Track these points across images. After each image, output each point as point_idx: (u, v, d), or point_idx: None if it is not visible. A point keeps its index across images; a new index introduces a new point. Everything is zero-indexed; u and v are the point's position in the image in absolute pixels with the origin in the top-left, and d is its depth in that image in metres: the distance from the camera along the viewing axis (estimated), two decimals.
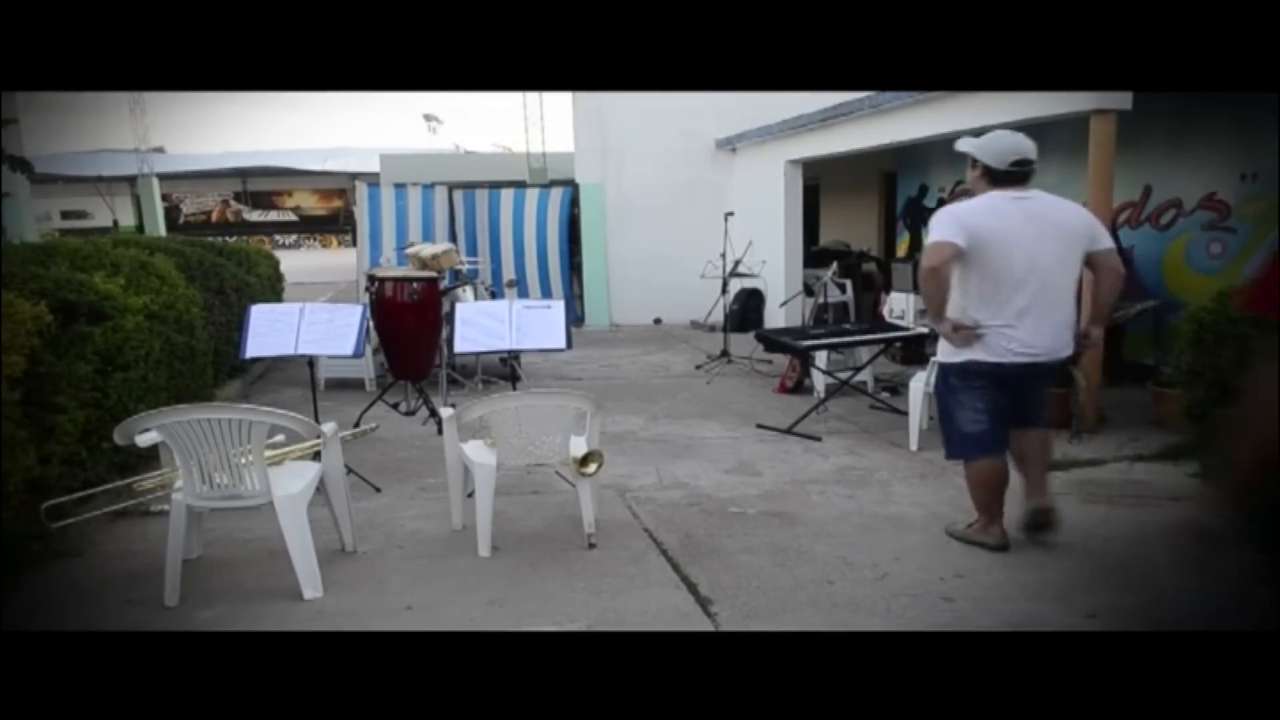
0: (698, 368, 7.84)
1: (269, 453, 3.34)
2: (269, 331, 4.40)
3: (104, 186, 28.27)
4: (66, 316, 3.83)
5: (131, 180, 25.08)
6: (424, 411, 5.88)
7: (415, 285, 6.08)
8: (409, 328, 6.06)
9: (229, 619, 3.09)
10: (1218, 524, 2.23)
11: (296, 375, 7.08)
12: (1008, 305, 3.25)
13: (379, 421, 5.23)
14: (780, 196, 9.58)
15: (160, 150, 26.99)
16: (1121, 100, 5.03)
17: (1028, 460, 3.50)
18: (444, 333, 6.13)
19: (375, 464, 4.85)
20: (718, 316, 8.80)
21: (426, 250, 6.58)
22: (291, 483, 3.31)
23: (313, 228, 36.30)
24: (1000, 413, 3.41)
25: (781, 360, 7.03)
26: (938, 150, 8.98)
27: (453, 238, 10.22)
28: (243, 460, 3.14)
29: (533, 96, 16.84)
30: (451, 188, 10.61)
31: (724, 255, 8.59)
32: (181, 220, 33.74)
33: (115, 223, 27.90)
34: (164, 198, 26.11)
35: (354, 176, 18.78)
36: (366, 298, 6.28)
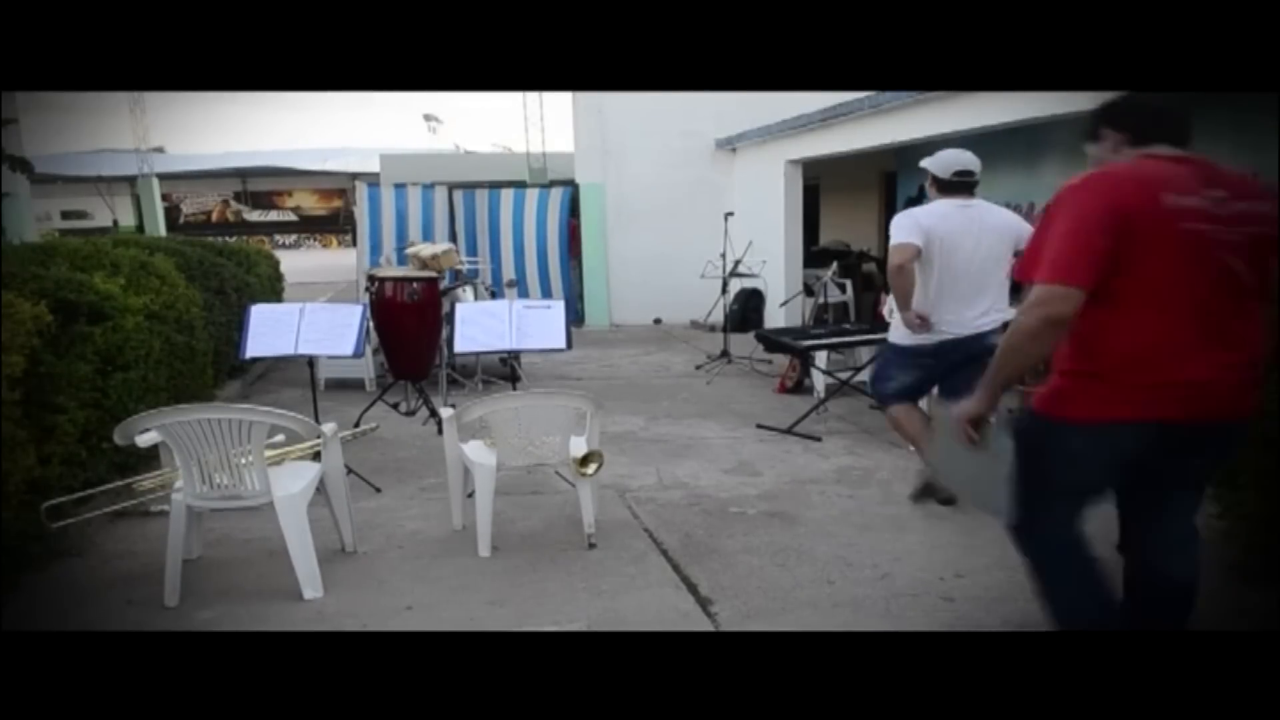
0: (698, 368, 7.84)
1: (269, 453, 3.34)
2: (269, 331, 4.40)
3: (104, 186, 28.26)
4: (66, 316, 3.83)
5: (131, 180, 25.07)
6: (424, 411, 5.88)
7: (415, 285, 6.08)
8: (409, 328, 6.06)
9: (229, 619, 3.09)
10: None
11: (296, 375, 7.09)
12: (952, 293, 3.83)
13: (379, 421, 5.23)
14: (780, 196, 9.58)
15: (160, 150, 26.98)
16: None
17: None
18: (444, 333, 6.13)
19: (375, 464, 4.85)
20: (718, 316, 8.81)
21: (426, 250, 6.58)
22: (291, 483, 3.31)
23: (313, 228, 36.30)
24: (928, 380, 4.04)
25: (781, 360, 7.04)
26: (938, 150, 8.99)
27: (453, 238, 10.22)
28: (243, 460, 3.14)
29: (533, 96, 16.83)
30: (451, 188, 10.60)
31: (724, 255, 8.59)
32: (181, 220, 33.73)
33: (115, 223, 27.90)
34: (164, 198, 26.09)
35: (354, 176, 18.79)
36: (366, 298, 6.28)
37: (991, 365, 2.27)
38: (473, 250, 10.30)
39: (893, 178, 10.53)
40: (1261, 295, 2.18)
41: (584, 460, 3.60)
